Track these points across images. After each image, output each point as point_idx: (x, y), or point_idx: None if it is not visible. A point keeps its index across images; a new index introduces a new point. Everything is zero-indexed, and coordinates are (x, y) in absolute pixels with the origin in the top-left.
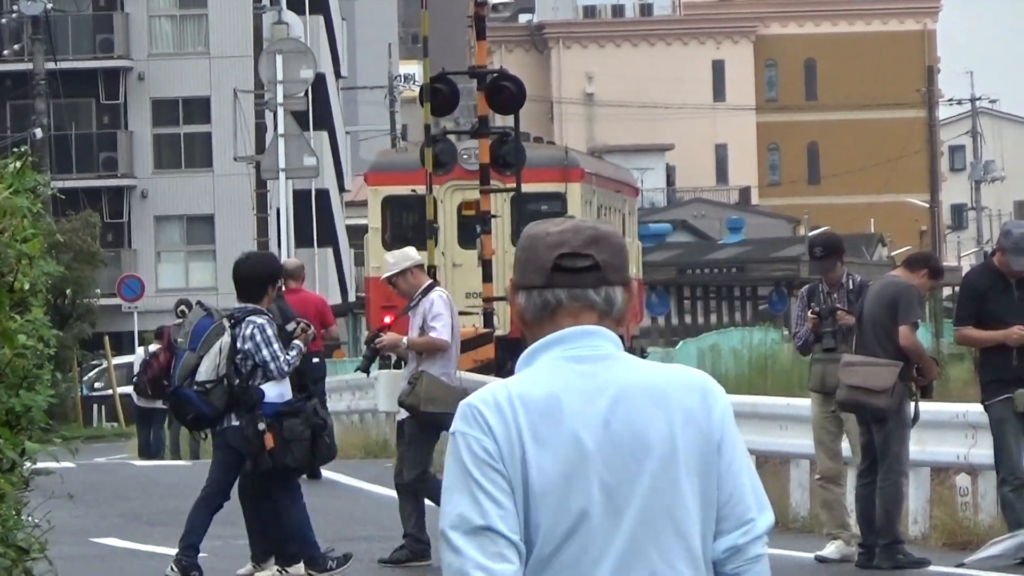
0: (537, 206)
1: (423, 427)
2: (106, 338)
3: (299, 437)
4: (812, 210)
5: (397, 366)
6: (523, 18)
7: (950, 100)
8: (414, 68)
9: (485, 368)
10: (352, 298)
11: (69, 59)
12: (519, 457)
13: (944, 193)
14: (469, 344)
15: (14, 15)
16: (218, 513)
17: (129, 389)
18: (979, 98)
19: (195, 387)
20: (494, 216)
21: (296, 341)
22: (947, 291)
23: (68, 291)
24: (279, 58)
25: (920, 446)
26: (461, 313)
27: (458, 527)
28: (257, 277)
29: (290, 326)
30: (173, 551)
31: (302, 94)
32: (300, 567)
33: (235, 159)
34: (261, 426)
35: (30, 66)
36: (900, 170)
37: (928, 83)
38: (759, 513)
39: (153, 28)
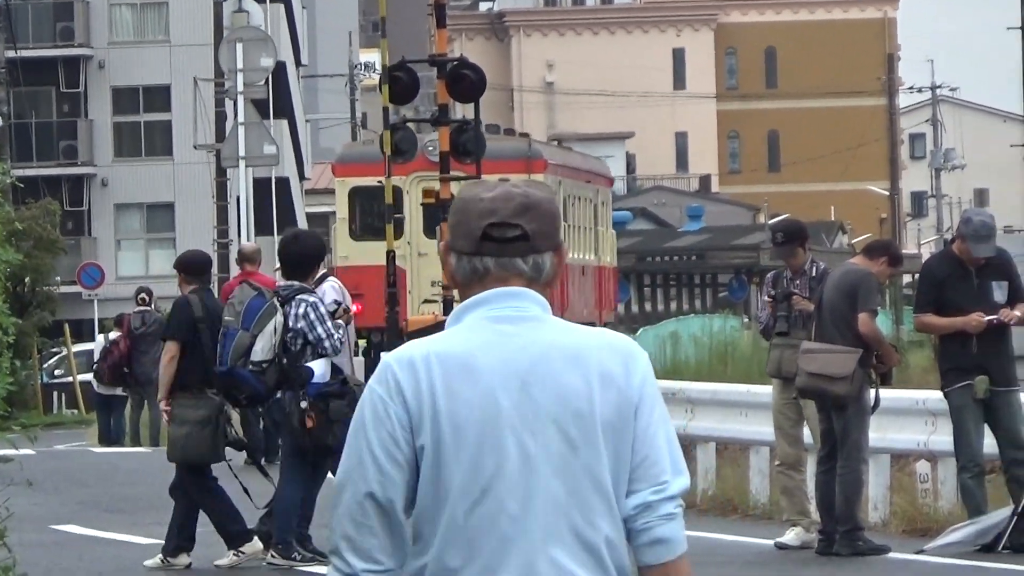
0: None
1: None
2: (66, 326)
3: (344, 419)
4: (772, 198)
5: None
6: (484, 6)
7: (910, 88)
8: (374, 56)
9: None
10: None
11: (29, 47)
12: (429, 416)
13: (904, 181)
14: (427, 331)
15: None
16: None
17: (89, 376)
18: (939, 86)
19: (250, 366)
20: None
21: (339, 321)
22: (907, 278)
23: (27, 279)
24: (239, 46)
25: (880, 433)
26: (425, 301)
27: (344, 485)
28: (308, 257)
29: (331, 307)
30: (134, 538)
31: (262, 82)
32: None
33: (195, 147)
34: (304, 404)
35: None
36: (860, 158)
37: (888, 71)
38: (674, 476)
39: (114, 16)
